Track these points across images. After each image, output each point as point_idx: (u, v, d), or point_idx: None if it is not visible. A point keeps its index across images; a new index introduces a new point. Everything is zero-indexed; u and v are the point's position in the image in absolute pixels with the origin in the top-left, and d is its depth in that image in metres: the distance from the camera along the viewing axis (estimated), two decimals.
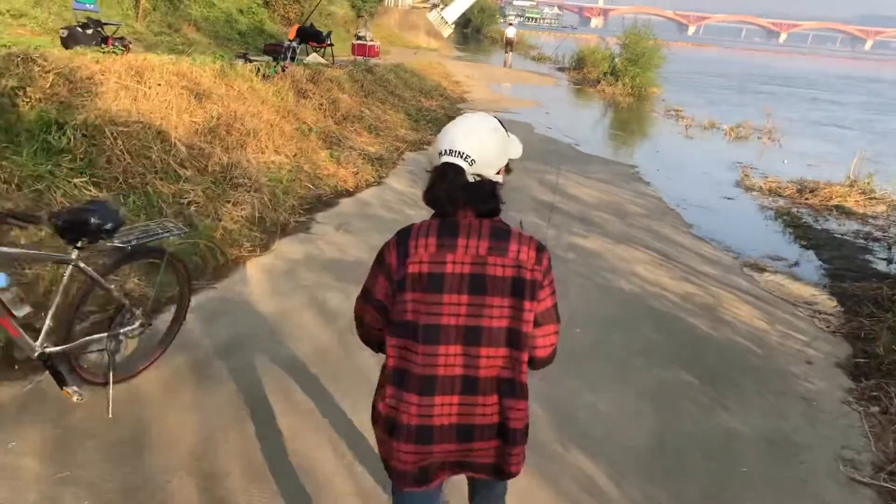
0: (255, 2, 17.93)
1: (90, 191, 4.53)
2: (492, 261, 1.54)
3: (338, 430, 2.94)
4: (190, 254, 4.46)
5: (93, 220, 2.60)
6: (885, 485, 2.89)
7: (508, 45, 25.82)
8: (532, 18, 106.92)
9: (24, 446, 2.62)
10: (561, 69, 27.65)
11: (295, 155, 6.94)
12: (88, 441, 2.70)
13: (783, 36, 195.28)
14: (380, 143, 8.85)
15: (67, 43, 7.31)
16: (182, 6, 14.19)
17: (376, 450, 2.81)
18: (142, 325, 3.02)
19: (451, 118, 8.66)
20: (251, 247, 4.96)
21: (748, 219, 7.69)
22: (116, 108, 5.53)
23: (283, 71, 8.63)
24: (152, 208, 4.72)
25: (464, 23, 44.20)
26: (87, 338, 2.84)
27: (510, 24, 30.56)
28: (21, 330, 2.58)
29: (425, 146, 9.60)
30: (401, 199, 6.63)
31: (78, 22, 7.98)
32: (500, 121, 1.66)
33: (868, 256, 6.37)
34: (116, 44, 7.37)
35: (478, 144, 1.55)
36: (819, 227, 7.32)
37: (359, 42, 15.28)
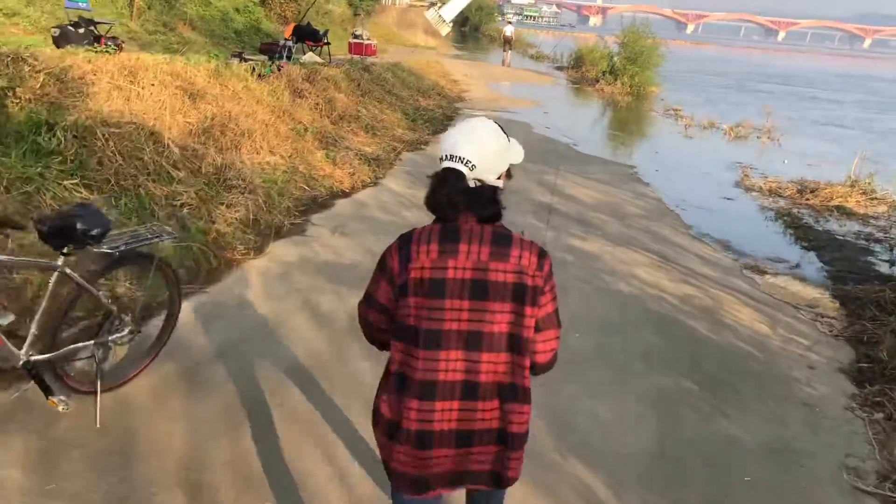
0: (251, 0, 17.83)
1: (81, 193, 4.45)
2: (493, 266, 1.54)
3: (331, 439, 2.87)
4: (182, 257, 4.40)
5: (79, 225, 2.53)
6: (891, 494, 2.83)
7: (507, 43, 25.74)
8: (530, 17, 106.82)
9: (9, 457, 2.55)
10: (559, 68, 27.57)
11: (290, 155, 6.87)
12: (74, 452, 2.63)
13: (781, 34, 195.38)
14: (376, 143, 8.77)
15: (59, 42, 7.23)
16: (177, 5, 14.09)
17: (371, 457, 2.81)
18: (131, 332, 2.96)
19: (448, 118, 8.65)
20: (245, 250, 4.89)
21: (748, 220, 7.63)
22: (108, 108, 5.45)
23: (279, 70, 8.55)
24: (144, 211, 4.64)
25: (462, 21, 44.15)
26: (74, 345, 2.78)
27: (509, 23, 30.48)
28: (4, 338, 2.52)
29: (423, 146, 9.53)
30: (397, 200, 6.56)
31: (70, 21, 7.89)
32: (500, 126, 1.65)
33: (870, 258, 6.31)
34: (109, 43, 7.29)
35: (478, 150, 1.56)
36: (820, 228, 7.26)
37: (356, 41, 15.18)
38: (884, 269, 6.05)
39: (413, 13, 32.82)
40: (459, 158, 1.55)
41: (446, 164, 1.56)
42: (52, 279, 2.60)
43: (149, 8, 13.26)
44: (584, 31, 69.12)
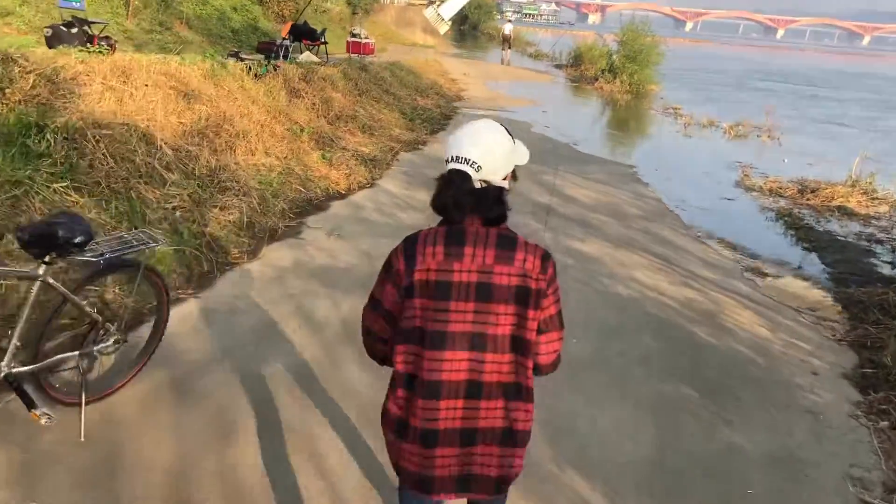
0: None
1: (71, 196, 4.37)
2: (498, 270, 1.55)
3: (323, 451, 2.80)
4: (174, 262, 4.33)
5: (61, 233, 2.46)
6: None
7: (506, 42, 25.64)
8: (529, 15, 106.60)
9: None
10: (558, 66, 27.45)
11: (286, 157, 6.79)
12: (58, 466, 2.55)
13: (780, 32, 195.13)
14: (373, 143, 8.69)
15: (52, 42, 7.14)
16: (174, 4, 13.98)
17: (364, 470, 2.73)
18: (116, 342, 2.88)
19: (447, 117, 8.56)
20: (238, 253, 4.82)
21: (749, 220, 7.55)
22: (101, 109, 5.38)
23: (275, 70, 8.46)
24: (135, 214, 4.56)
25: (461, 20, 44.00)
26: (58, 356, 2.70)
27: (508, 21, 30.39)
28: None
29: (420, 146, 9.45)
30: (394, 201, 6.48)
31: (63, 20, 7.80)
32: (506, 127, 1.66)
33: (872, 259, 6.24)
34: (102, 43, 7.20)
35: (484, 151, 1.57)
36: (821, 229, 7.19)
37: (354, 39, 15.08)
38: (886, 270, 5.97)
39: (412, 12, 32.71)
40: (465, 160, 1.56)
41: (452, 165, 1.57)
42: (34, 289, 2.52)
43: (145, 7, 13.16)
44: (583, 29, 68.94)
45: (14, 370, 2.52)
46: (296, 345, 3.65)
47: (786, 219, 7.53)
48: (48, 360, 2.64)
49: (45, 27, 7.71)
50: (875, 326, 4.42)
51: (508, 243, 1.57)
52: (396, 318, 1.62)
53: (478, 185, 1.57)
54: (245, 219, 5.27)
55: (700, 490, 2.80)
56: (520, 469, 1.67)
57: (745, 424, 3.29)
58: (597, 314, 4.41)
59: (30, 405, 2.57)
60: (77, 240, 2.49)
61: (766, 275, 5.67)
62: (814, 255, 6.35)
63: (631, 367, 3.76)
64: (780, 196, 8.56)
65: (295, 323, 3.89)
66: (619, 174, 9.28)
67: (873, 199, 8.22)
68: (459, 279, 1.55)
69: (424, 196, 6.66)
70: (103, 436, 2.73)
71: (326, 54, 12.54)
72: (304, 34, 12.27)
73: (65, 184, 4.39)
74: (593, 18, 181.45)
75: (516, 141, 1.68)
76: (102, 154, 4.83)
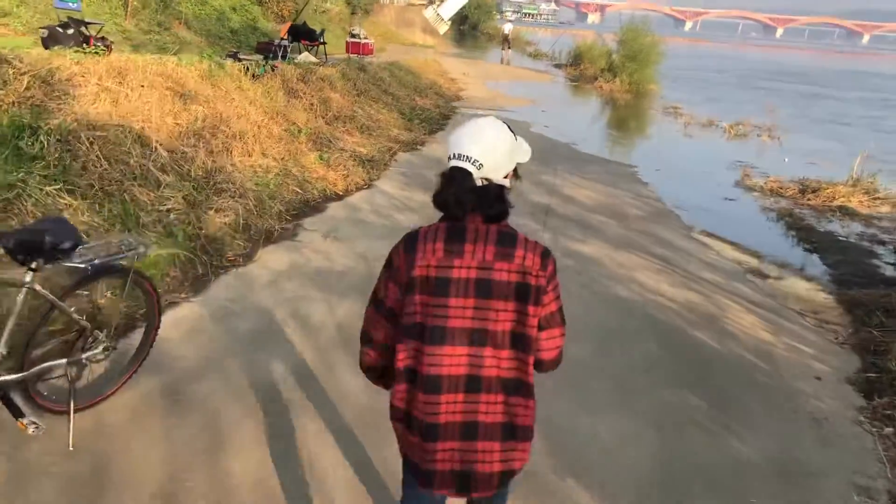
0: None
1: (64, 199, 4.31)
2: (498, 266, 1.56)
3: (317, 463, 2.73)
4: (167, 265, 4.27)
5: (47, 239, 2.40)
6: None
7: (506, 41, 25.56)
8: (528, 14, 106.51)
9: None
10: (558, 66, 27.38)
11: (283, 158, 6.73)
12: (45, 476, 2.49)
13: (780, 31, 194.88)
14: (371, 143, 8.63)
15: (47, 43, 7.08)
16: (172, 4, 13.91)
17: (358, 480, 2.67)
18: (106, 349, 2.82)
19: (445, 117, 8.50)
20: (234, 256, 4.76)
21: (750, 221, 7.49)
22: (95, 111, 5.32)
23: (273, 70, 8.40)
24: (129, 217, 4.50)
25: (460, 20, 43.90)
26: (46, 364, 2.64)
27: (508, 21, 30.32)
28: None
29: (419, 146, 9.39)
30: (392, 202, 6.42)
31: (60, 21, 7.74)
32: (508, 125, 1.66)
33: (875, 261, 6.17)
34: (98, 44, 7.14)
35: (486, 149, 1.58)
36: (822, 230, 7.13)
37: (353, 40, 15.02)
38: (889, 272, 5.91)
39: (411, 12, 32.64)
40: (467, 157, 1.56)
41: (454, 162, 1.58)
42: (20, 296, 2.46)
43: (143, 7, 13.10)
44: (583, 29, 68.82)
45: (1, 378, 2.46)
46: (291, 350, 3.59)
47: (787, 219, 7.47)
48: (35, 368, 2.59)
49: (41, 28, 7.65)
50: (878, 330, 4.36)
51: (508, 240, 1.58)
52: (398, 319, 1.63)
53: (479, 182, 1.58)
54: (241, 221, 5.22)
55: (703, 500, 2.73)
56: (521, 464, 1.66)
57: (750, 433, 3.22)
58: (597, 318, 4.34)
59: (17, 414, 2.52)
60: (64, 246, 2.44)
61: (767, 276, 5.61)
62: (815, 257, 6.29)
63: (633, 375, 3.69)
64: (781, 196, 8.49)
65: (290, 327, 3.83)
66: (618, 174, 9.22)
67: (875, 198, 8.15)
68: (459, 275, 1.56)
69: (422, 197, 6.64)
70: (92, 445, 2.67)
71: (325, 54, 12.48)
72: (303, 34, 12.21)
73: (58, 186, 4.34)
74: (593, 18, 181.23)
75: (518, 139, 1.68)
76: (96, 156, 4.77)
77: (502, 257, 1.56)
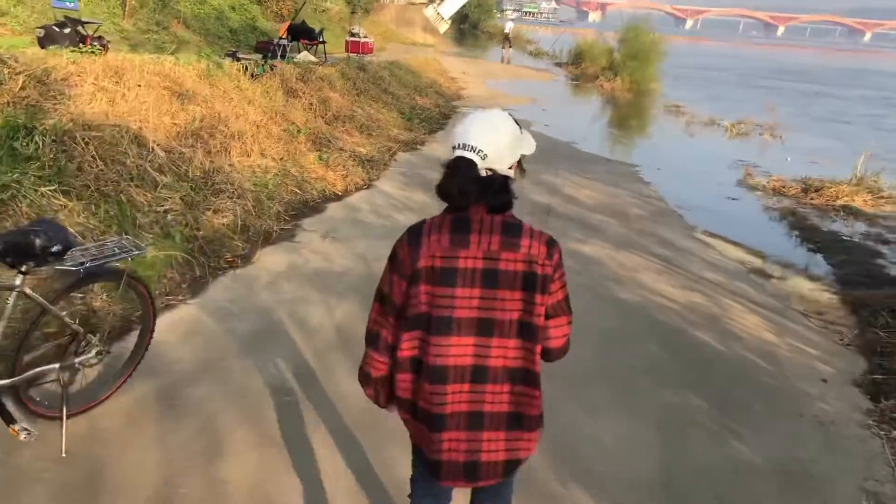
0: None
1: (59, 200, 4.26)
2: (504, 256, 1.56)
3: (315, 469, 2.68)
4: (164, 267, 4.21)
5: (37, 242, 2.35)
6: None
7: (506, 40, 25.49)
8: (529, 13, 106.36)
9: None
10: (558, 64, 27.31)
11: (282, 158, 6.68)
12: (37, 484, 2.44)
13: (781, 29, 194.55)
14: (371, 143, 8.57)
15: (44, 43, 7.03)
16: (171, 3, 13.85)
17: (354, 488, 2.62)
18: (99, 353, 2.77)
19: (446, 116, 8.45)
20: (232, 257, 4.71)
21: (753, 220, 7.43)
22: (91, 111, 5.27)
23: (272, 70, 8.35)
24: (125, 218, 4.45)
25: (460, 18, 43.82)
26: (38, 369, 2.59)
27: (509, 20, 30.24)
28: None
29: (418, 146, 9.34)
30: (391, 203, 6.36)
31: (56, 20, 7.69)
32: (512, 117, 1.66)
33: (879, 260, 6.11)
34: (95, 43, 7.09)
35: (490, 139, 1.57)
36: (826, 229, 7.06)
37: (352, 39, 14.96)
38: (894, 272, 5.84)
39: (412, 11, 32.58)
40: (471, 147, 1.55)
41: (458, 152, 1.57)
42: (11, 299, 2.41)
43: (142, 7, 13.04)
44: (583, 28, 68.74)
45: None
46: (289, 352, 3.54)
47: (790, 219, 7.41)
48: (27, 373, 2.54)
49: (38, 27, 7.61)
50: (884, 331, 4.30)
51: (514, 230, 1.58)
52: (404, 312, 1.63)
53: (483, 173, 1.57)
54: (239, 222, 5.17)
55: None
56: (527, 454, 1.67)
57: (755, 437, 3.16)
58: (599, 319, 4.29)
59: (8, 420, 2.48)
60: (55, 248, 2.38)
61: (770, 277, 5.55)
62: (819, 257, 6.23)
63: (636, 377, 3.63)
64: (784, 195, 8.43)
65: (288, 329, 3.78)
66: (620, 173, 9.16)
67: (879, 197, 8.08)
68: (465, 266, 1.56)
69: (422, 197, 6.59)
70: (86, 451, 2.62)
71: (325, 54, 12.43)
72: (302, 33, 12.16)
73: (53, 187, 4.29)
74: (593, 17, 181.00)
75: (523, 131, 1.67)
76: (92, 156, 4.72)
77: (508, 247, 1.56)
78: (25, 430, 2.48)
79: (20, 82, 5.02)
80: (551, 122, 12.62)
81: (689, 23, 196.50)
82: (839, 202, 7.92)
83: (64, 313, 2.61)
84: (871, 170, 8.73)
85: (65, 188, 4.36)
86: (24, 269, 2.39)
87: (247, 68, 7.82)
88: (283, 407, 3.06)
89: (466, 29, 46.82)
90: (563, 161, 9.19)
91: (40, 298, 2.47)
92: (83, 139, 4.76)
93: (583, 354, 3.73)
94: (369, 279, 4.36)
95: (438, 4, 34.02)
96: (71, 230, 3.44)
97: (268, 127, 7.06)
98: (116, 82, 5.76)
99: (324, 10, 22.37)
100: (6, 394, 2.50)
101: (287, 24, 12.13)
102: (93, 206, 4.39)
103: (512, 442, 1.63)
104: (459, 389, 1.59)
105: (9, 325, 2.44)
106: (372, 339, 1.68)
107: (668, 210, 7.42)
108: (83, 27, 7.75)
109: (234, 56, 8.95)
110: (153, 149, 5.30)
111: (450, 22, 35.57)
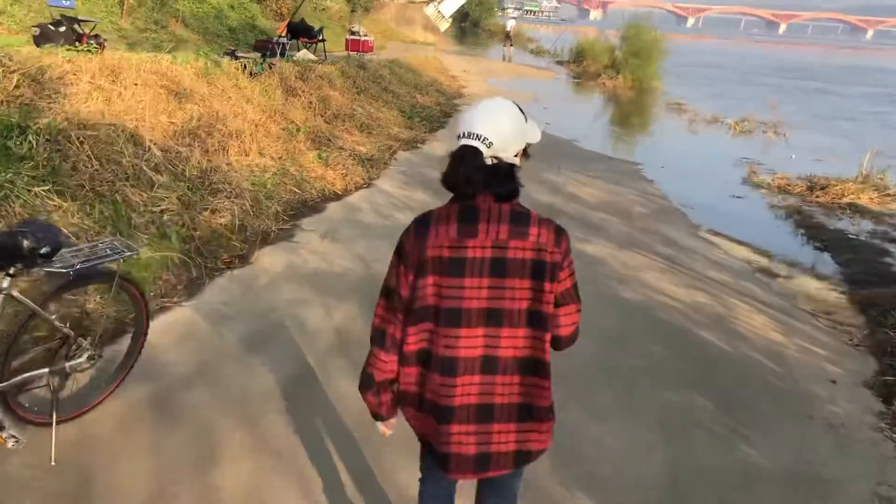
0: None
1: (53, 200, 4.18)
2: (513, 245, 1.55)
3: (311, 475, 2.61)
4: (160, 268, 4.14)
5: (26, 243, 2.28)
6: None
7: (507, 38, 25.38)
8: (530, 11, 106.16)
9: None
10: (560, 62, 27.19)
11: (280, 157, 6.60)
12: (25, 493, 2.37)
13: (783, 27, 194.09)
14: (371, 142, 8.49)
15: (39, 41, 6.96)
16: (169, 1, 13.78)
17: (352, 494, 2.55)
18: (90, 357, 2.69)
19: (446, 114, 8.35)
20: (229, 258, 4.63)
21: (758, 219, 7.34)
22: (87, 110, 5.20)
23: (271, 68, 8.27)
24: (120, 218, 4.38)
25: (461, 17, 43.71)
26: (27, 374, 2.52)
27: (511, 18, 30.13)
28: None
29: (419, 144, 9.26)
30: (391, 202, 6.29)
31: (52, 19, 7.62)
32: (518, 105, 1.64)
33: (888, 259, 6.01)
34: (91, 42, 7.02)
35: (496, 128, 1.56)
36: (832, 228, 6.97)
37: (352, 37, 14.89)
38: None
39: (412, 9, 32.45)
40: (477, 136, 1.54)
41: (464, 141, 1.55)
42: None
43: (140, 5, 12.96)
44: (585, 26, 68.55)
45: None
46: (286, 355, 3.46)
47: (795, 217, 7.32)
48: (16, 379, 2.47)
49: (33, 26, 7.53)
50: (895, 331, 4.21)
51: (522, 218, 1.57)
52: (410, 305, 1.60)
53: (489, 161, 1.56)
54: (237, 222, 5.09)
55: None
56: (541, 446, 1.66)
57: (763, 439, 3.08)
58: (602, 319, 4.20)
59: None
60: (44, 250, 2.31)
61: (777, 276, 5.47)
62: (826, 255, 6.14)
63: (640, 378, 3.56)
64: (789, 193, 8.34)
65: (286, 331, 3.71)
66: (623, 171, 9.07)
67: (886, 195, 7.98)
68: (474, 255, 1.54)
69: (422, 196, 6.51)
70: (76, 458, 2.55)
71: (324, 52, 12.35)
72: (302, 32, 12.08)
73: (47, 187, 4.21)
74: (595, 15, 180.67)
75: (529, 120, 1.66)
76: (87, 156, 4.65)
77: (517, 235, 1.55)
78: (13, 437, 2.41)
79: (14, 81, 4.95)
80: (553, 120, 12.51)
81: (691, 21, 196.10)
82: (845, 200, 7.83)
83: (54, 316, 2.54)
84: (876, 167, 8.63)
85: (59, 188, 4.28)
86: (11, 271, 2.32)
87: (245, 67, 7.75)
88: (281, 412, 2.99)
89: (467, 27, 46.71)
90: (564, 159, 9.11)
91: (29, 301, 2.39)
92: (78, 138, 4.69)
93: (587, 356, 3.66)
94: (369, 280, 4.29)
95: (439, 3, 33.90)
96: (64, 231, 3.36)
97: (266, 126, 6.98)
98: (113, 81, 5.69)
99: (323, 9, 22.28)
100: None
101: (286, 22, 12.05)
102: (87, 207, 4.32)
103: (523, 434, 1.62)
104: (469, 381, 1.58)
105: None
106: (378, 337, 1.64)
107: (671, 208, 7.34)
108: (80, 25, 7.67)
109: (232, 55, 8.87)
110: (149, 148, 5.23)
111: (450, 20, 35.46)
